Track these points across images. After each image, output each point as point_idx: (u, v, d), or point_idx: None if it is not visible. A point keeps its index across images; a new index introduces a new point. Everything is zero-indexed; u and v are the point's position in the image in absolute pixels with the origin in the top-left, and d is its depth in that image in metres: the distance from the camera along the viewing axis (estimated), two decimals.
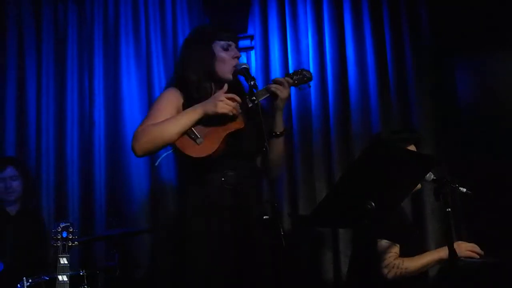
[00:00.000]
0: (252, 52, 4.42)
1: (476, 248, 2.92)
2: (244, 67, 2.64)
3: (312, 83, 2.92)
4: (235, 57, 2.71)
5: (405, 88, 4.14)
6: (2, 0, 4.56)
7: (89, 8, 4.56)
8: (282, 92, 2.65)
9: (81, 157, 4.41)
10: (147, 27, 4.46)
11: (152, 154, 2.63)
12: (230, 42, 2.73)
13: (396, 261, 2.89)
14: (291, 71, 4.20)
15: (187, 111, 2.60)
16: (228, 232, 2.52)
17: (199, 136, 2.54)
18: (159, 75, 4.40)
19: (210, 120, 2.58)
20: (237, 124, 2.60)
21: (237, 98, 2.58)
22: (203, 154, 2.52)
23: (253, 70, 4.28)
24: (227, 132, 2.57)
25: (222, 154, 2.56)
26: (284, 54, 4.29)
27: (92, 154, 4.36)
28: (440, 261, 2.94)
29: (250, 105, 2.57)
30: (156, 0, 4.50)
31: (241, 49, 4.10)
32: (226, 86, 2.63)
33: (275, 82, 2.69)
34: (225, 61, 2.69)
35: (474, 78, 4.24)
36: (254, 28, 4.38)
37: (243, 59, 3.66)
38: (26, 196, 3.99)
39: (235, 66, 2.68)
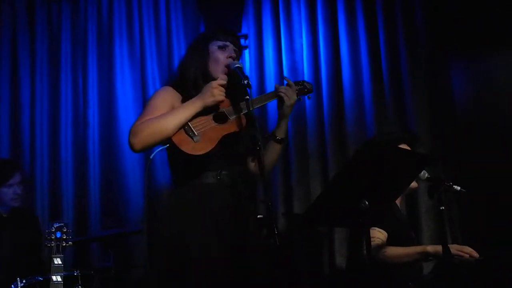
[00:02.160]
0: (246, 51, 4.42)
1: (466, 249, 2.92)
2: (238, 66, 2.62)
3: None
4: (229, 57, 2.70)
5: (400, 88, 4.14)
6: None
7: (83, 8, 4.55)
8: (289, 98, 2.66)
9: (75, 157, 4.40)
10: (141, 26, 4.46)
11: (149, 149, 2.60)
12: (228, 43, 2.72)
13: (376, 244, 2.89)
14: (285, 70, 4.25)
15: (185, 104, 2.59)
16: (223, 231, 2.50)
17: (196, 134, 2.52)
18: (153, 75, 4.40)
19: (207, 119, 2.58)
20: (235, 126, 2.60)
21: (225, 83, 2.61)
22: (199, 152, 2.49)
23: (247, 69, 4.28)
24: (225, 133, 2.57)
25: (217, 154, 2.55)
26: (278, 53, 4.30)
27: (87, 155, 4.35)
28: (423, 254, 2.90)
29: (244, 111, 2.59)
30: None
31: None
32: (225, 77, 2.63)
33: (280, 90, 2.69)
34: (219, 61, 2.69)
35: (469, 77, 4.25)
36: (248, 27, 4.38)
37: None
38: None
39: (228, 65, 2.68)
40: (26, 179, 3.97)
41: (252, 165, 2.78)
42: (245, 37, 4.42)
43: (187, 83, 2.67)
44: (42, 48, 4.56)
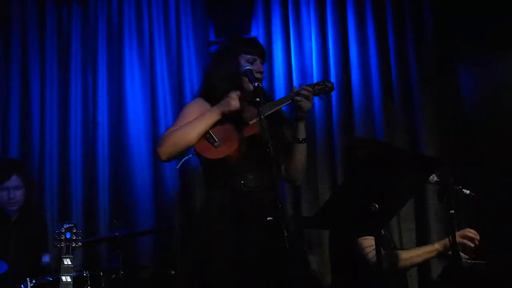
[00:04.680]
0: None
1: (469, 232, 2.89)
2: (248, 69, 2.67)
3: None
4: (258, 72, 2.75)
5: (409, 90, 4.14)
6: (6, 1, 4.57)
7: (93, 9, 4.56)
8: (307, 105, 2.70)
9: (85, 158, 4.41)
10: (151, 28, 4.47)
11: (176, 158, 2.74)
12: (256, 57, 2.78)
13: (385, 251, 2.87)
14: (294, 73, 4.25)
15: (204, 113, 2.69)
16: (245, 235, 2.56)
17: (217, 140, 2.62)
18: (163, 76, 4.42)
19: (227, 125, 2.66)
20: (254, 129, 2.65)
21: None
22: (221, 156, 2.60)
23: None
24: (244, 137, 2.64)
25: (240, 158, 2.62)
26: (287, 56, 4.30)
27: (96, 155, 4.36)
28: (434, 252, 2.89)
29: (262, 115, 2.61)
30: (160, 1, 4.52)
31: None
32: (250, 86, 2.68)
33: (302, 93, 2.71)
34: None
35: (478, 80, 4.24)
36: (257, 30, 4.39)
37: None
38: (28, 202, 3.88)
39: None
40: (29, 183, 3.87)
41: (283, 170, 2.84)
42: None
43: (219, 95, 2.73)
44: (52, 49, 4.57)
